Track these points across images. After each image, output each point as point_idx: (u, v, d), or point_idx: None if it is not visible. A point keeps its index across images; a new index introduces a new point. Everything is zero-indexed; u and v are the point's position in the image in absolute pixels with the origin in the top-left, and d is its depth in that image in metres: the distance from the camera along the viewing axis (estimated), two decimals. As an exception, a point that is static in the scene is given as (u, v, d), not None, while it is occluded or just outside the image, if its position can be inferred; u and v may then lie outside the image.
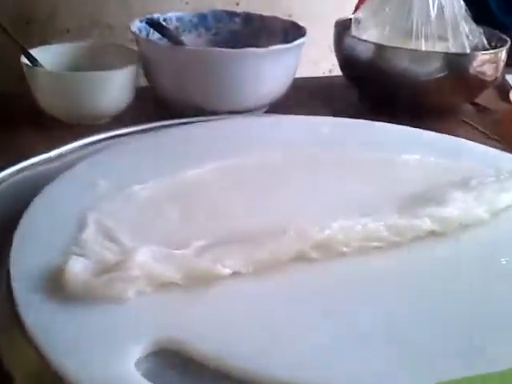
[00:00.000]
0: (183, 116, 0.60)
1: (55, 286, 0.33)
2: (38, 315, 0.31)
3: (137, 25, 0.67)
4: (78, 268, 0.33)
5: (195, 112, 0.62)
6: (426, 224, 0.39)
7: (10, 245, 0.37)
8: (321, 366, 0.30)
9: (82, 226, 0.38)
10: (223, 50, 0.62)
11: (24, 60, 0.60)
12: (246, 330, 0.31)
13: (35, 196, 0.42)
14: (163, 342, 0.30)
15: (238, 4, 1.92)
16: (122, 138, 0.55)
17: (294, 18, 1.95)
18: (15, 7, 1.62)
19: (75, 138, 0.55)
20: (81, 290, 0.32)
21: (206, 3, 1.86)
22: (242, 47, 0.65)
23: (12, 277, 0.33)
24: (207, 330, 0.31)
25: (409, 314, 0.33)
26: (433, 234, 0.40)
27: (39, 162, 0.51)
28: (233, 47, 0.70)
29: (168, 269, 0.34)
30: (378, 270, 0.37)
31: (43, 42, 0.69)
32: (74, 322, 0.31)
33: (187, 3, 1.85)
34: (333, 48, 0.76)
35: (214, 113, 0.62)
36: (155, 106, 0.67)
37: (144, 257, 0.34)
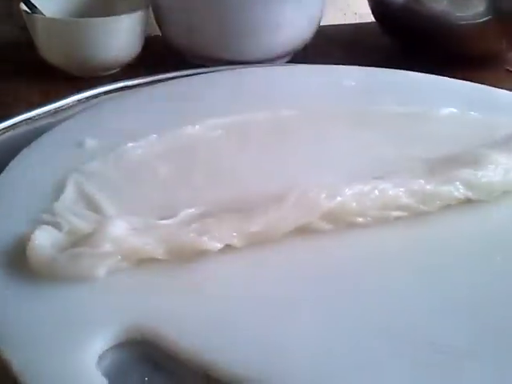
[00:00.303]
0: (195, 66, 0.54)
1: (16, 260, 0.28)
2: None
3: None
4: (43, 240, 0.28)
5: (207, 62, 0.56)
6: (459, 190, 0.33)
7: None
8: (317, 360, 0.24)
9: (60, 190, 0.34)
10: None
11: (23, 7, 0.55)
12: (234, 317, 0.26)
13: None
14: (134, 331, 0.26)
15: None
16: (128, 91, 0.50)
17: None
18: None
19: (77, 91, 0.50)
20: (44, 265, 0.28)
21: None
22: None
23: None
24: (187, 317, 0.26)
25: (433, 299, 0.28)
26: (467, 201, 0.34)
27: (37, 115, 0.47)
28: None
29: (147, 242, 0.29)
30: (399, 244, 0.31)
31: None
32: (31, 304, 0.26)
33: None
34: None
35: (229, 63, 0.56)
36: (166, 57, 0.62)
37: (119, 228, 0.29)
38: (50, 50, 0.55)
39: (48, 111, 0.48)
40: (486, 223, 0.33)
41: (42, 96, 0.54)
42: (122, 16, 0.54)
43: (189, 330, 0.25)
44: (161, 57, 0.62)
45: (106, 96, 0.50)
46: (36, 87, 0.56)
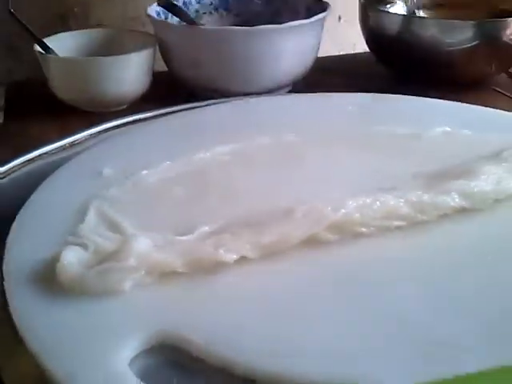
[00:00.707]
0: (202, 99, 0.57)
1: (48, 278, 0.31)
2: (28, 310, 0.29)
3: (154, 8, 0.64)
4: (71, 258, 0.31)
5: (214, 94, 0.59)
6: (454, 200, 0.36)
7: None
8: (333, 357, 0.27)
9: (83, 214, 0.36)
10: (238, 28, 0.59)
11: (37, 48, 0.58)
12: (253, 322, 0.29)
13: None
14: (161, 338, 0.28)
15: None
16: (138, 124, 0.53)
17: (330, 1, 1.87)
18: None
19: (89, 126, 0.53)
20: (73, 282, 0.30)
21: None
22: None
23: (4, 269, 0.32)
24: (209, 323, 0.28)
25: (433, 302, 0.30)
26: (462, 210, 0.36)
27: (53, 150, 0.50)
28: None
29: (168, 256, 0.31)
30: (400, 252, 0.34)
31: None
32: (64, 317, 0.29)
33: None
34: (358, 24, 0.72)
35: (233, 94, 0.59)
36: (173, 90, 0.65)
37: (142, 244, 0.31)
38: (63, 87, 0.58)
39: (63, 145, 0.51)
40: (480, 230, 0.36)
41: (56, 131, 0.57)
42: (131, 54, 0.58)
43: (211, 334, 0.28)
44: (167, 91, 0.65)
45: (118, 129, 0.53)
46: (49, 123, 0.59)
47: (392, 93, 0.55)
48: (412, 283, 0.31)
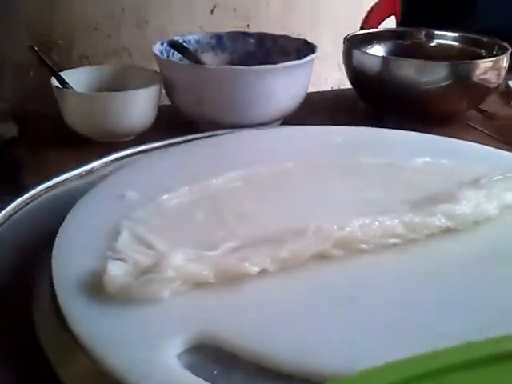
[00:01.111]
0: (202, 130, 0.63)
1: (95, 288, 0.35)
2: (83, 316, 0.34)
3: (158, 47, 0.70)
4: (116, 271, 0.36)
5: (213, 126, 0.65)
6: (440, 221, 0.42)
7: (48, 255, 0.40)
8: (349, 355, 0.32)
9: (115, 233, 0.41)
10: (238, 67, 0.65)
11: (54, 82, 0.63)
12: (275, 323, 0.34)
13: (67, 212, 0.45)
14: (199, 337, 0.32)
15: (248, 25, 1.97)
16: (148, 153, 0.59)
17: (303, 37, 1.99)
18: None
19: (103, 155, 0.58)
20: (120, 291, 0.34)
21: (219, 27, 1.92)
22: (257, 65, 0.68)
23: (55, 282, 0.36)
24: (240, 325, 0.33)
25: (427, 305, 0.36)
26: (446, 230, 0.42)
27: (70, 178, 0.54)
28: (248, 66, 0.73)
29: (200, 269, 0.36)
30: (395, 265, 0.39)
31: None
32: (114, 320, 0.33)
33: (200, 27, 1.91)
34: (341, 65, 0.79)
35: (232, 127, 0.64)
36: (176, 122, 0.70)
37: (177, 258, 0.36)
38: (77, 119, 0.63)
39: (80, 173, 0.56)
40: (462, 246, 0.41)
41: (70, 160, 0.62)
42: (140, 90, 0.63)
43: (241, 333, 0.33)
44: (171, 123, 0.70)
45: (131, 158, 0.58)
46: (63, 152, 0.64)
47: (373, 126, 0.62)
48: (406, 290, 0.37)
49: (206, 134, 0.62)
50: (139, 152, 0.59)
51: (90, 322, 0.33)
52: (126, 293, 0.35)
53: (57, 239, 0.40)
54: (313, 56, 0.68)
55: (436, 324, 0.33)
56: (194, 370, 0.31)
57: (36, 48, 0.64)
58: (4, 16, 1.57)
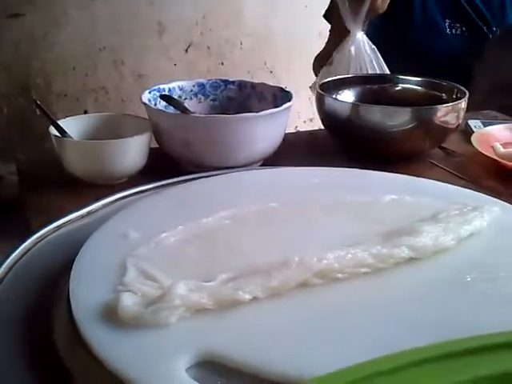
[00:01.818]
0: (189, 172, 0.69)
1: (111, 317, 0.41)
2: (103, 340, 0.39)
3: (146, 96, 0.77)
4: (128, 302, 0.41)
5: (200, 168, 0.71)
6: (404, 252, 0.48)
7: (62, 289, 0.46)
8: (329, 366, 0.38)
9: (123, 268, 0.47)
10: (221, 116, 0.72)
11: (53, 131, 0.69)
12: (268, 341, 0.40)
13: (73, 250, 0.51)
14: (203, 354, 0.38)
15: (222, 63, 2.06)
16: (142, 194, 0.65)
17: (275, 74, 2.10)
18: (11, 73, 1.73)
19: (99, 197, 0.64)
20: (133, 319, 0.40)
21: (194, 64, 2.00)
22: (238, 110, 0.75)
23: (75, 313, 0.42)
24: (237, 343, 0.39)
25: (394, 326, 0.42)
26: (410, 260, 0.49)
27: (73, 219, 0.60)
28: (229, 110, 0.80)
29: (201, 297, 0.42)
30: (367, 291, 0.46)
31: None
32: (131, 342, 0.39)
33: (175, 65, 1.99)
34: (312, 99, 0.87)
35: (217, 168, 0.71)
36: (165, 164, 0.77)
37: (181, 289, 0.42)
38: (75, 164, 0.69)
39: (82, 214, 0.61)
40: (423, 273, 0.48)
41: (69, 201, 0.67)
42: (133, 138, 0.70)
43: (240, 351, 0.39)
44: (159, 165, 0.76)
45: (128, 198, 0.64)
46: (61, 194, 0.69)
47: (345, 166, 0.69)
48: (376, 310, 0.43)
49: (195, 175, 0.68)
50: (134, 194, 0.65)
51: (110, 345, 0.39)
52: (138, 320, 0.40)
53: (72, 275, 0.46)
54: (289, 104, 0.76)
55: (400, 340, 0.40)
56: (201, 382, 0.37)
57: (35, 98, 0.70)
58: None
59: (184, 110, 0.76)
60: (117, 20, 1.88)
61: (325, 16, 1.28)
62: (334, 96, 0.84)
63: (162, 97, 0.76)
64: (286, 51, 2.09)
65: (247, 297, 0.43)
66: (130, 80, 1.92)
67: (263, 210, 0.57)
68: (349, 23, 0.94)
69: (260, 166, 0.78)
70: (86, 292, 0.44)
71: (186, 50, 2.03)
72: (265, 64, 2.07)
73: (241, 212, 0.56)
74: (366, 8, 0.94)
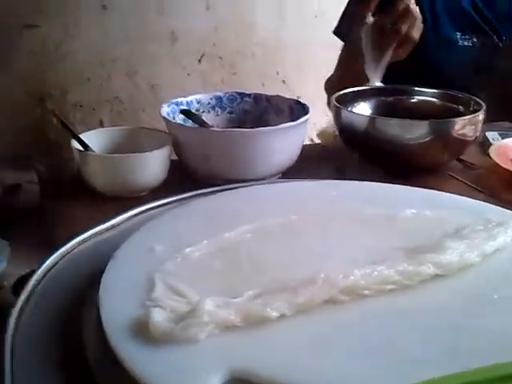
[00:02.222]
0: (209, 185, 0.69)
1: (142, 332, 0.41)
2: (134, 355, 0.40)
3: (165, 110, 0.77)
4: (159, 317, 0.42)
5: (218, 181, 0.72)
6: (430, 269, 0.49)
7: (90, 301, 0.46)
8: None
9: (150, 284, 0.47)
10: (240, 130, 0.73)
11: (75, 144, 0.70)
12: (296, 358, 0.40)
13: (100, 263, 0.51)
14: (233, 372, 0.39)
15: (235, 73, 2.07)
16: (164, 207, 0.65)
17: (289, 84, 2.10)
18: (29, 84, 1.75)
19: (122, 210, 0.64)
20: (164, 334, 0.41)
21: (207, 75, 2.00)
22: (254, 123, 0.75)
23: (105, 328, 0.42)
24: (266, 360, 0.40)
25: (421, 343, 0.42)
26: (435, 276, 0.49)
27: (96, 232, 0.60)
28: (246, 123, 0.81)
29: (229, 314, 0.42)
30: (394, 308, 0.46)
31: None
32: (163, 358, 0.39)
33: (188, 74, 1.99)
34: (327, 109, 0.87)
35: (235, 181, 0.71)
36: (184, 177, 0.77)
37: (210, 306, 0.43)
38: (97, 177, 0.70)
39: (107, 227, 0.62)
40: (448, 289, 0.48)
41: (93, 214, 0.68)
42: (154, 152, 0.70)
43: (269, 367, 0.39)
44: (179, 178, 0.77)
45: (151, 211, 0.64)
46: (86, 207, 0.70)
47: (361, 178, 0.68)
48: (403, 326, 0.44)
49: (214, 188, 0.68)
50: (156, 207, 0.66)
51: (141, 361, 0.39)
52: (169, 336, 0.41)
53: (100, 290, 0.46)
54: (307, 117, 0.76)
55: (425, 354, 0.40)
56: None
57: (56, 112, 0.71)
58: (2, 70, 1.65)
59: (202, 124, 0.77)
60: (129, 30, 1.89)
61: (335, 32, 1.29)
62: (350, 108, 0.84)
63: (183, 111, 0.77)
64: (297, 61, 2.10)
65: (275, 314, 0.43)
66: (144, 90, 1.93)
67: (285, 224, 0.57)
68: (370, 72, 0.94)
69: (278, 178, 0.79)
70: (115, 307, 0.45)
71: (199, 61, 2.04)
72: (277, 74, 2.07)
73: (263, 226, 0.57)
74: (388, 58, 0.94)
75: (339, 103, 0.84)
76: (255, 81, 2.01)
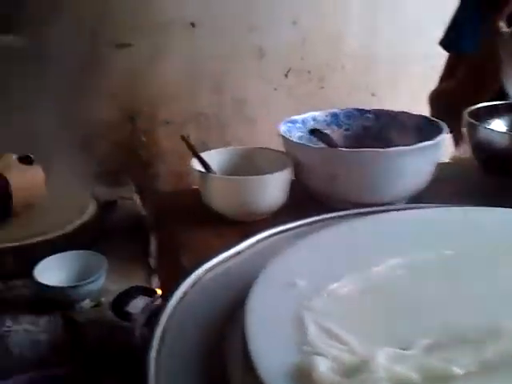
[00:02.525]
0: (334, 208, 0.63)
1: (304, 382, 0.36)
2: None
3: (283, 129, 0.72)
4: (323, 367, 0.36)
5: (344, 204, 0.66)
6: None
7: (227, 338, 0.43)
8: None
9: (300, 324, 0.41)
10: (372, 150, 0.67)
11: (196, 165, 0.66)
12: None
13: (233, 294, 0.48)
14: None
15: (323, 87, 2.01)
16: (288, 233, 0.60)
17: (378, 97, 2.00)
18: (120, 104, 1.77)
19: (245, 234, 0.59)
20: (331, 388, 0.35)
21: (294, 89, 1.95)
22: (374, 140, 0.69)
23: (262, 375, 0.36)
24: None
25: None
26: None
27: (224, 259, 0.56)
28: (364, 140, 0.74)
29: (407, 369, 0.36)
30: None
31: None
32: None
33: (275, 89, 1.96)
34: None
35: (361, 205, 0.65)
36: (305, 199, 0.72)
37: (383, 359, 0.36)
38: (219, 200, 0.66)
39: (234, 253, 0.57)
40: None
41: (215, 238, 0.64)
42: (276, 173, 0.66)
43: None
44: (300, 201, 0.71)
45: (273, 238, 0.59)
46: (207, 230, 0.66)
47: (502, 203, 0.60)
48: None
49: (341, 213, 0.62)
50: (281, 231, 0.61)
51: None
52: (337, 390, 0.35)
53: (246, 329, 0.41)
54: (443, 136, 0.69)
55: None
56: None
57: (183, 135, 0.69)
58: (94, 87, 1.67)
59: (330, 144, 0.72)
60: (217, 46, 1.88)
61: (441, 43, 1.22)
62: (485, 125, 0.76)
63: (312, 131, 0.71)
64: (388, 73, 2.02)
65: (461, 372, 0.36)
66: (230, 105, 1.91)
67: (439, 259, 0.50)
68: (509, 87, 0.87)
69: (406, 203, 0.72)
70: (266, 349, 0.39)
71: (286, 75, 2.00)
72: (367, 87, 2.00)
73: (414, 260, 0.50)
74: None
75: (473, 119, 0.76)
76: (343, 94, 1.95)
